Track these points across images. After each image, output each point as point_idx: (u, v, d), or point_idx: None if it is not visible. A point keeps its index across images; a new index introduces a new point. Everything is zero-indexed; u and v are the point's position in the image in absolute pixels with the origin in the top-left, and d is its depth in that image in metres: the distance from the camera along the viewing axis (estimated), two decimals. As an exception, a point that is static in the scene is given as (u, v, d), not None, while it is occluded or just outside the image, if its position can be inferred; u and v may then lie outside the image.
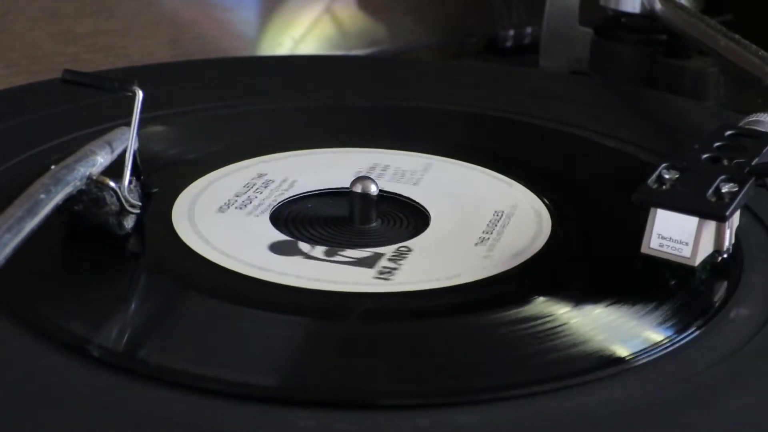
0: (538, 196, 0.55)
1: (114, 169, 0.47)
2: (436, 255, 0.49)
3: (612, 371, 0.40)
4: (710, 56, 0.71)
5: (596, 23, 0.85)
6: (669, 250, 0.44)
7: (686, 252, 0.44)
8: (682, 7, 0.75)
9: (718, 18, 0.73)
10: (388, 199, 0.55)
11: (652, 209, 0.44)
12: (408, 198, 0.55)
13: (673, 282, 0.45)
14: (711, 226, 0.44)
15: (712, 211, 0.44)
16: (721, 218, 0.44)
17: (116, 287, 0.46)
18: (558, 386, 0.39)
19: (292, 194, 0.55)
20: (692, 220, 0.44)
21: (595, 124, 0.65)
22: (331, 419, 0.37)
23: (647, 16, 0.78)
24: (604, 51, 0.84)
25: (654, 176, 0.45)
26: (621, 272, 0.47)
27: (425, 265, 0.48)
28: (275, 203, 0.53)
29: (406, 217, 0.53)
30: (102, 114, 0.58)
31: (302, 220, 0.52)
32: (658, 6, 0.76)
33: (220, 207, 0.53)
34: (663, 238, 0.44)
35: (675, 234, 0.44)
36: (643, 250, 0.45)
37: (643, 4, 0.78)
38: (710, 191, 0.44)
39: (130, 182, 0.47)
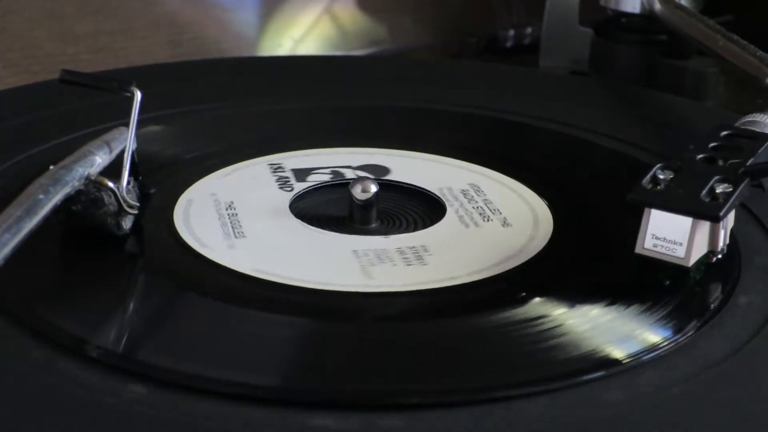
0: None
1: (112, 170, 0.47)
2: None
3: (608, 372, 0.40)
4: (710, 56, 0.71)
5: (596, 23, 0.85)
6: (663, 251, 0.44)
7: (680, 252, 0.44)
8: (681, 7, 0.75)
9: (718, 18, 0.73)
10: (388, 196, 0.55)
11: (647, 209, 0.44)
12: (412, 184, 0.56)
13: (667, 282, 0.45)
14: (705, 226, 0.44)
15: (705, 211, 0.44)
16: (714, 218, 0.44)
17: (114, 288, 0.46)
18: (555, 387, 0.39)
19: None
20: (686, 221, 0.44)
21: (595, 124, 0.65)
22: (329, 419, 0.37)
23: (647, 16, 0.78)
24: (604, 51, 0.84)
25: (648, 176, 0.45)
26: (619, 273, 0.47)
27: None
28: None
29: (405, 218, 0.54)
30: (101, 114, 0.58)
31: (300, 218, 0.53)
32: (657, 6, 0.76)
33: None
34: (657, 238, 0.44)
35: (669, 234, 0.44)
36: (638, 250, 0.45)
37: (642, 4, 0.78)
38: (704, 191, 0.44)
39: (128, 182, 0.47)
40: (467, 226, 0.52)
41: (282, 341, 0.42)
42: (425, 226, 0.52)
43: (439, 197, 0.55)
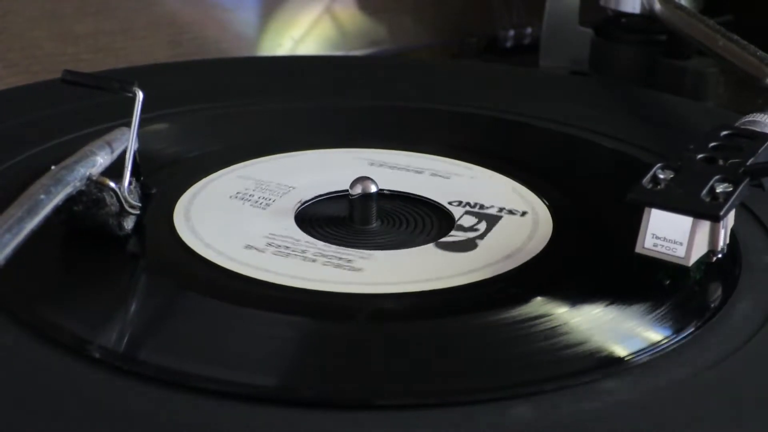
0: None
1: (114, 170, 0.47)
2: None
3: (610, 371, 0.40)
4: (710, 56, 0.71)
5: (596, 23, 0.85)
6: (663, 250, 0.44)
7: (680, 252, 0.44)
8: (681, 7, 0.75)
9: (718, 18, 0.73)
10: (387, 198, 0.55)
11: (647, 209, 0.44)
12: (409, 193, 0.55)
13: (667, 282, 0.45)
14: (705, 226, 0.44)
15: (706, 211, 0.44)
16: (715, 218, 0.44)
17: (116, 288, 0.46)
18: (556, 386, 0.39)
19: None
20: (686, 220, 0.44)
21: (595, 124, 0.65)
22: (329, 419, 0.37)
23: (647, 16, 0.78)
24: (604, 51, 0.84)
25: (648, 176, 0.45)
26: (620, 272, 0.47)
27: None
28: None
29: (405, 218, 0.54)
30: (102, 114, 0.58)
31: (302, 219, 0.53)
32: (657, 6, 0.76)
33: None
34: (657, 237, 0.44)
35: (669, 234, 0.44)
36: (638, 249, 0.45)
37: (642, 5, 0.78)
38: (705, 191, 0.44)
39: (129, 183, 0.47)
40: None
41: (282, 341, 0.42)
42: (425, 226, 0.53)
43: (443, 206, 0.55)
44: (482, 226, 0.52)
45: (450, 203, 0.55)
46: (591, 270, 0.48)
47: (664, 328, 0.42)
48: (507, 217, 0.53)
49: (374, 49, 0.97)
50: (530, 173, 0.58)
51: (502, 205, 0.54)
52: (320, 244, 0.50)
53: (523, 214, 0.53)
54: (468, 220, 0.53)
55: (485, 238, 0.51)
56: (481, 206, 0.54)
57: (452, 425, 0.37)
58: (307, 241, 0.50)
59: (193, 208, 0.52)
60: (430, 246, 0.50)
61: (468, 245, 0.50)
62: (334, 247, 0.49)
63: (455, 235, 0.51)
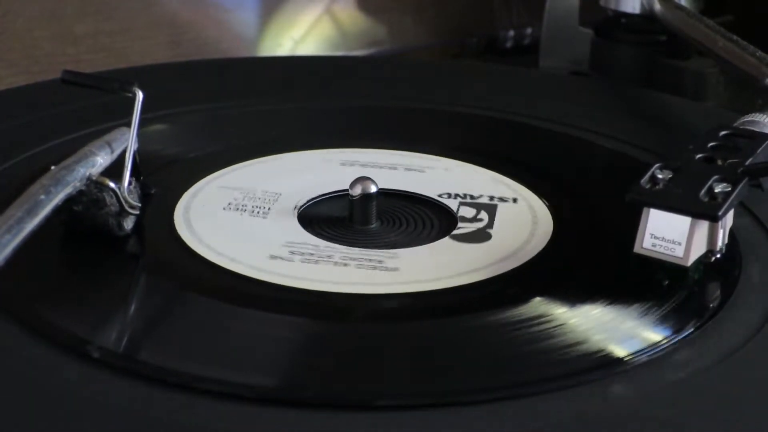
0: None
1: (113, 170, 0.47)
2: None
3: (609, 372, 0.40)
4: (710, 57, 0.71)
5: (596, 23, 0.85)
6: (662, 250, 0.44)
7: (679, 252, 0.44)
8: (681, 7, 0.75)
9: (717, 19, 0.73)
10: (387, 198, 0.55)
11: (645, 209, 0.44)
12: (409, 191, 0.55)
13: (666, 282, 0.45)
14: (704, 226, 0.45)
15: (704, 211, 0.44)
16: (713, 218, 0.44)
17: (116, 288, 0.46)
18: (555, 386, 0.39)
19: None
20: (685, 220, 0.44)
21: (595, 124, 0.65)
22: (329, 419, 0.37)
23: (647, 16, 0.78)
24: (604, 51, 0.84)
25: (647, 176, 0.45)
26: (619, 273, 0.47)
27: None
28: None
29: (405, 218, 0.54)
30: (102, 114, 0.58)
31: (301, 220, 0.53)
32: (657, 6, 0.76)
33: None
34: (656, 237, 0.44)
35: (668, 234, 0.44)
36: (636, 249, 0.45)
37: (642, 5, 0.78)
38: (703, 191, 0.44)
39: (129, 183, 0.47)
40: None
41: (282, 341, 0.42)
42: (425, 226, 0.53)
43: (441, 202, 0.55)
44: (483, 215, 0.52)
45: (441, 196, 0.55)
46: (590, 270, 0.48)
47: (663, 329, 0.42)
48: (502, 205, 0.54)
49: (374, 49, 0.97)
50: (530, 173, 0.58)
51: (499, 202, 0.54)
52: (321, 243, 0.50)
53: (515, 200, 0.54)
54: (467, 212, 0.53)
55: (493, 227, 0.51)
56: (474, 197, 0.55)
57: (452, 426, 0.37)
58: (312, 243, 0.50)
59: (193, 208, 0.52)
60: (447, 240, 0.50)
61: (481, 236, 0.50)
62: (333, 245, 0.49)
63: (464, 227, 0.51)
